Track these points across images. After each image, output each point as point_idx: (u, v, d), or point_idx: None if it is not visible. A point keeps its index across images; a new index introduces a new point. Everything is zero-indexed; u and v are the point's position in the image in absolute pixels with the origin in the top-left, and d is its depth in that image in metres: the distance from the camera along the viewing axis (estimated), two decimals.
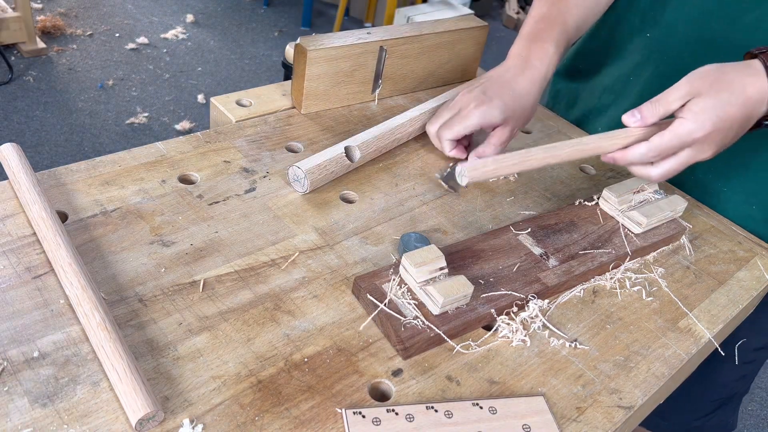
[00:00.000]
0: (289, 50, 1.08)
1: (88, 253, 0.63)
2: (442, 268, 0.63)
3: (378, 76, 0.96)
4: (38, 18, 3.08)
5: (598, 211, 0.80)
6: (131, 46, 3.11)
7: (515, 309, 0.66)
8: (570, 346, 0.64)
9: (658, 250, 0.79)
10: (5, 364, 0.51)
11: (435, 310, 0.61)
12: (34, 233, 0.63)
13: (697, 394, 0.76)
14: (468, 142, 0.86)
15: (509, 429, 0.54)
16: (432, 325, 0.60)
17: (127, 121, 2.59)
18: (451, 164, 0.80)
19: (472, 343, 0.62)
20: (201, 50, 3.21)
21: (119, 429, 0.49)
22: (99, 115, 2.59)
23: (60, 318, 0.56)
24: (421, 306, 0.62)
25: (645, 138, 0.69)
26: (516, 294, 0.66)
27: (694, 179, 0.91)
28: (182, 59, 3.09)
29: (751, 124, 0.68)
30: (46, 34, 3.05)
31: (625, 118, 0.70)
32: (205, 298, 0.61)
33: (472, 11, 1.23)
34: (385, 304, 0.61)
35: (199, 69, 3.05)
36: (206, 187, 0.74)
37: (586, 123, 1.05)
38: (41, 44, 2.88)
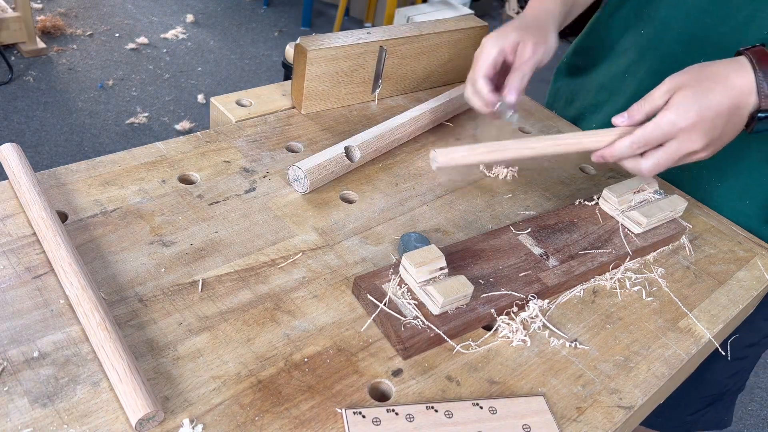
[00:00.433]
0: (289, 50, 1.08)
1: (88, 253, 0.63)
2: (442, 268, 0.63)
3: (378, 76, 0.96)
4: (38, 18, 3.08)
5: (598, 211, 0.80)
6: (131, 46, 3.11)
7: (515, 309, 0.66)
8: (570, 346, 0.64)
9: (658, 250, 0.79)
10: (5, 364, 0.51)
11: (435, 310, 0.61)
12: (34, 233, 0.63)
13: (689, 390, 0.76)
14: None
15: (509, 429, 0.54)
16: (432, 325, 0.60)
17: (127, 121, 2.59)
18: (499, 103, 0.78)
19: (472, 343, 0.62)
20: (201, 50, 3.21)
21: (119, 429, 0.49)
22: (99, 115, 2.59)
23: (60, 318, 0.56)
24: (421, 306, 0.62)
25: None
26: (516, 294, 0.66)
27: (689, 176, 0.91)
28: (182, 59, 3.09)
29: (743, 116, 0.67)
30: (46, 34, 3.05)
31: (614, 119, 0.71)
32: (205, 298, 0.61)
33: (472, 11, 1.23)
34: (385, 304, 0.61)
35: (199, 69, 3.05)
36: (206, 187, 0.74)
37: (583, 120, 1.06)
38: (41, 44, 2.88)
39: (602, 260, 0.73)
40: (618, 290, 0.72)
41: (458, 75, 1.07)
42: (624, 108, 0.71)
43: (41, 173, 0.71)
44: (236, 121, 0.87)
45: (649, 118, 0.68)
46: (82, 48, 3.02)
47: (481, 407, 0.55)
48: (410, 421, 0.53)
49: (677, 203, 0.80)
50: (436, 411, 0.54)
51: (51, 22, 3.07)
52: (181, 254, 0.65)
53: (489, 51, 0.79)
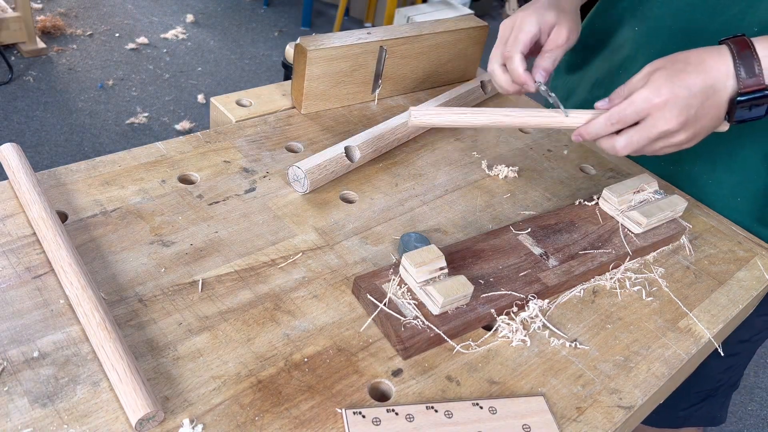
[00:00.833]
0: (289, 50, 1.08)
1: (88, 253, 0.63)
2: (442, 268, 0.63)
3: (378, 76, 0.96)
4: (38, 18, 3.08)
5: (598, 211, 0.80)
6: (131, 46, 3.11)
7: (515, 309, 0.66)
8: (570, 346, 0.64)
9: (658, 250, 0.79)
10: (5, 364, 0.51)
11: (435, 310, 0.61)
12: (34, 233, 0.63)
13: (682, 385, 0.76)
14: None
15: (509, 429, 0.54)
16: (432, 325, 0.60)
17: (127, 121, 2.59)
18: (537, 80, 0.78)
19: (472, 343, 0.62)
20: (201, 50, 3.21)
21: (119, 429, 0.49)
22: (99, 115, 2.59)
23: (60, 318, 0.56)
24: (421, 306, 0.62)
25: None
26: (516, 294, 0.66)
27: (683, 172, 0.92)
28: (182, 59, 3.09)
29: (721, 100, 0.66)
30: (46, 34, 3.05)
31: (596, 104, 0.71)
32: (205, 298, 0.61)
33: (472, 11, 1.23)
34: (385, 304, 0.61)
35: (199, 69, 3.05)
36: (206, 187, 0.74)
37: None
38: (41, 44, 2.88)
39: (602, 260, 0.73)
40: (618, 290, 0.72)
41: (458, 75, 1.07)
42: None
43: (41, 173, 0.71)
44: (236, 121, 0.87)
45: None
46: (82, 48, 3.02)
47: (481, 407, 0.55)
48: (410, 421, 0.53)
49: (677, 203, 0.80)
50: (436, 411, 0.54)
51: (51, 22, 3.07)
52: (181, 254, 0.65)
53: (529, 28, 0.77)
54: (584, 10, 1.01)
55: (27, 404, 0.49)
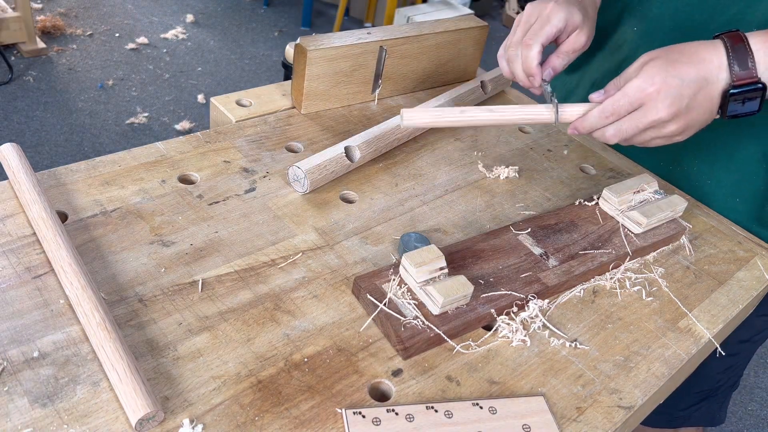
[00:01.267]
0: (289, 50, 1.08)
1: (88, 253, 0.63)
2: (442, 268, 0.63)
3: (378, 76, 0.96)
4: (38, 18, 3.08)
5: (598, 211, 0.80)
6: (131, 46, 3.11)
7: (515, 309, 0.66)
8: (570, 346, 0.64)
9: (658, 250, 0.79)
10: (5, 364, 0.51)
11: (435, 310, 0.61)
12: (34, 233, 0.63)
13: (682, 385, 0.76)
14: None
15: (509, 429, 0.54)
16: (432, 325, 0.60)
17: (127, 121, 2.59)
18: (544, 78, 0.77)
19: (472, 343, 0.62)
20: (201, 50, 3.21)
21: (119, 429, 0.49)
22: (99, 115, 2.59)
23: (60, 318, 0.56)
24: (421, 306, 0.62)
25: None
26: (516, 294, 0.66)
27: (682, 172, 0.92)
28: (182, 59, 3.09)
29: (714, 93, 0.66)
30: (46, 34, 3.04)
31: (591, 96, 0.71)
32: (205, 298, 0.61)
33: (472, 11, 1.23)
34: (385, 304, 0.61)
35: (199, 69, 3.05)
36: (206, 187, 0.74)
37: None
38: (41, 44, 2.88)
39: (602, 260, 0.73)
40: (618, 290, 0.72)
41: (458, 75, 1.07)
42: None
43: (41, 173, 0.71)
44: (236, 121, 0.87)
45: None
46: (82, 48, 3.02)
47: (481, 407, 0.55)
48: (410, 421, 0.53)
49: (677, 203, 0.80)
50: (436, 411, 0.54)
51: (51, 22, 3.07)
52: (181, 254, 0.65)
53: (556, 22, 0.77)
54: None
55: (27, 404, 0.49)
